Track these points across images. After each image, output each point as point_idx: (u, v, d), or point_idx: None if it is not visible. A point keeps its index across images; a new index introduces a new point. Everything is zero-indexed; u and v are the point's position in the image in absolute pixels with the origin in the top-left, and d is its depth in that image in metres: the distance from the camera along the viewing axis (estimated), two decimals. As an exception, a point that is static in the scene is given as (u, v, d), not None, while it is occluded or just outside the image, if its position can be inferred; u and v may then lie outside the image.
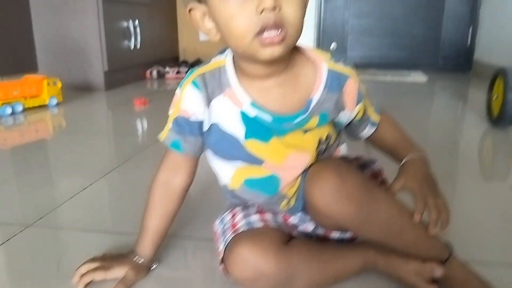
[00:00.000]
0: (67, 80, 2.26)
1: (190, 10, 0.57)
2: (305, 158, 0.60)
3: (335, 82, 0.59)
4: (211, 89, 0.59)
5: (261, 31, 0.50)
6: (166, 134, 0.63)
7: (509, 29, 2.76)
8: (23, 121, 1.77)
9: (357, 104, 0.62)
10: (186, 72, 2.57)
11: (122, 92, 2.42)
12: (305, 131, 0.59)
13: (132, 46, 2.61)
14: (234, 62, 0.59)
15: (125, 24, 2.54)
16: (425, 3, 3.36)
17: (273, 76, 0.58)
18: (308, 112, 0.58)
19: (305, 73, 0.59)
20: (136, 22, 2.62)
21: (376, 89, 2.63)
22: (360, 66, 3.47)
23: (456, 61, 3.43)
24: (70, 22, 2.33)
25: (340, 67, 0.60)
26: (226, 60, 0.60)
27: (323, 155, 0.62)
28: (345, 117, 0.63)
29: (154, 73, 2.93)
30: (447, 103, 2.44)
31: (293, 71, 0.59)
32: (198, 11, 0.56)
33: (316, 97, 0.58)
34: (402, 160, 0.63)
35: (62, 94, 2.03)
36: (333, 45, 3.51)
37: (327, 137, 0.62)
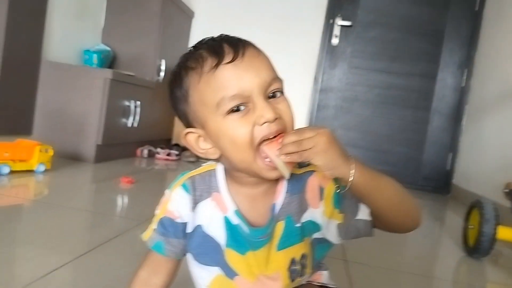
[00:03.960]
0: (58, 148, 2.28)
1: (186, 134, 0.60)
2: (276, 278, 0.60)
3: (296, 184, 0.61)
4: (199, 192, 0.62)
5: (263, 139, 0.54)
6: (149, 235, 0.64)
7: (485, 161, 2.93)
8: (6, 184, 1.75)
9: (320, 200, 0.61)
10: (176, 155, 2.61)
11: (110, 167, 2.44)
12: (278, 248, 0.60)
13: (130, 124, 2.69)
14: (225, 167, 0.62)
15: (126, 103, 2.64)
16: (409, 127, 3.59)
17: (262, 184, 0.60)
18: (273, 218, 0.59)
19: (274, 181, 0.61)
20: (138, 102, 2.73)
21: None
22: (345, 174, 3.56)
23: (435, 183, 3.57)
24: (75, 94, 2.42)
25: (303, 170, 0.62)
26: (217, 164, 0.63)
27: (302, 277, 0.62)
28: (322, 223, 0.61)
29: (145, 152, 2.98)
30: (424, 225, 2.49)
31: (276, 180, 0.61)
32: (193, 135, 0.60)
33: (279, 202, 0.60)
34: None
35: (52, 161, 2.04)
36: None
37: (302, 257, 0.61)
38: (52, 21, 2.53)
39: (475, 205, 1.67)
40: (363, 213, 0.60)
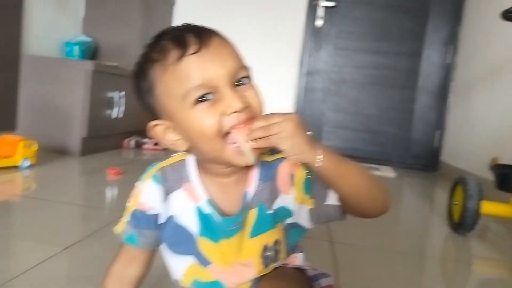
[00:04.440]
0: (43, 142, 2.26)
1: (154, 126, 0.59)
2: (250, 265, 0.61)
3: (267, 172, 0.61)
4: (171, 183, 0.62)
5: (231, 129, 0.54)
6: (122, 227, 0.64)
7: (471, 137, 2.96)
8: (-10, 181, 1.74)
9: (291, 187, 0.61)
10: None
11: (97, 159, 2.43)
12: (251, 235, 0.60)
13: (115, 115, 2.67)
14: (196, 158, 0.62)
15: (110, 94, 2.61)
16: (397, 106, 3.60)
17: (235, 173, 0.60)
18: (246, 206, 0.60)
19: (245, 169, 0.61)
20: (122, 93, 2.71)
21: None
22: (334, 156, 3.59)
23: (424, 161, 3.60)
24: (57, 88, 2.39)
25: (274, 157, 0.61)
26: (188, 154, 0.63)
27: (276, 263, 0.63)
28: (294, 209, 0.61)
29: (132, 142, 2.97)
30: (414, 202, 2.52)
31: (249, 167, 0.60)
32: (161, 126, 0.59)
33: (251, 190, 0.60)
34: None
35: (37, 156, 2.03)
36: (309, 134, 3.66)
37: (275, 243, 0.62)
38: (30, 14, 2.49)
39: (459, 182, 1.69)
40: (332, 199, 0.60)
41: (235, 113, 0.53)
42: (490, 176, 2.29)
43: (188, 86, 0.54)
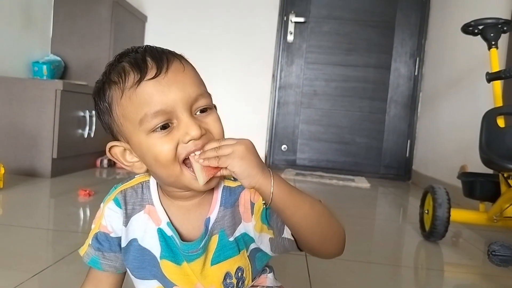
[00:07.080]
0: (11, 165, 2.20)
1: (110, 148, 0.59)
2: None
3: (229, 198, 0.61)
4: (131, 205, 0.61)
5: (188, 155, 0.54)
6: (85, 250, 0.64)
7: (440, 146, 3.04)
8: (-46, 207, 1.68)
9: (252, 215, 0.60)
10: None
11: (68, 180, 2.37)
12: (212, 263, 0.60)
13: (86, 135, 2.62)
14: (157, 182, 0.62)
15: (81, 113, 2.57)
16: (368, 117, 3.68)
17: (195, 197, 0.60)
18: (208, 232, 0.59)
19: (207, 194, 0.60)
20: (93, 112, 2.67)
21: (323, 191, 2.73)
22: (309, 168, 3.62)
23: (396, 170, 3.67)
24: (26, 109, 2.34)
25: (237, 183, 0.61)
26: (150, 176, 0.63)
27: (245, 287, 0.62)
28: (255, 237, 0.61)
29: (105, 162, 2.92)
30: (387, 212, 2.56)
31: (211, 192, 0.60)
32: (119, 148, 0.59)
33: (213, 216, 0.60)
34: None
35: (4, 180, 1.96)
36: (284, 147, 3.70)
37: (238, 270, 0.61)
38: (-5, 33, 2.44)
39: (428, 191, 1.73)
40: (288, 232, 0.58)
41: (192, 141, 0.53)
42: (459, 184, 2.35)
43: (145, 112, 0.53)
